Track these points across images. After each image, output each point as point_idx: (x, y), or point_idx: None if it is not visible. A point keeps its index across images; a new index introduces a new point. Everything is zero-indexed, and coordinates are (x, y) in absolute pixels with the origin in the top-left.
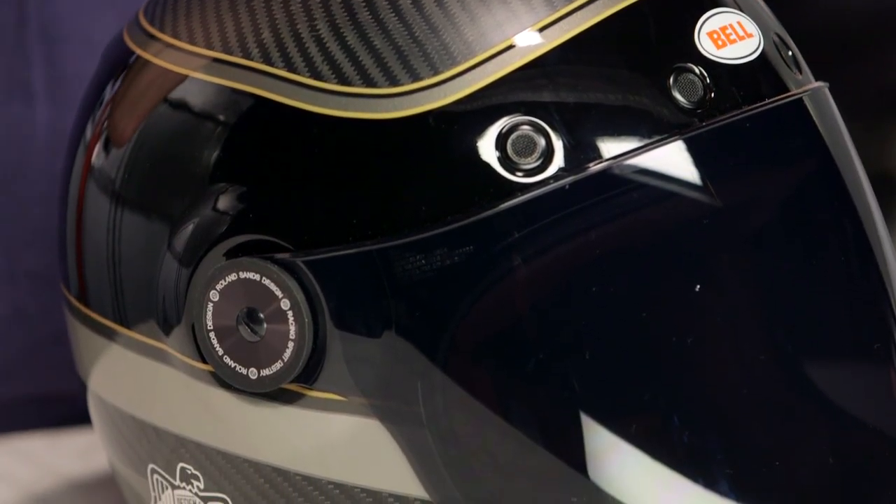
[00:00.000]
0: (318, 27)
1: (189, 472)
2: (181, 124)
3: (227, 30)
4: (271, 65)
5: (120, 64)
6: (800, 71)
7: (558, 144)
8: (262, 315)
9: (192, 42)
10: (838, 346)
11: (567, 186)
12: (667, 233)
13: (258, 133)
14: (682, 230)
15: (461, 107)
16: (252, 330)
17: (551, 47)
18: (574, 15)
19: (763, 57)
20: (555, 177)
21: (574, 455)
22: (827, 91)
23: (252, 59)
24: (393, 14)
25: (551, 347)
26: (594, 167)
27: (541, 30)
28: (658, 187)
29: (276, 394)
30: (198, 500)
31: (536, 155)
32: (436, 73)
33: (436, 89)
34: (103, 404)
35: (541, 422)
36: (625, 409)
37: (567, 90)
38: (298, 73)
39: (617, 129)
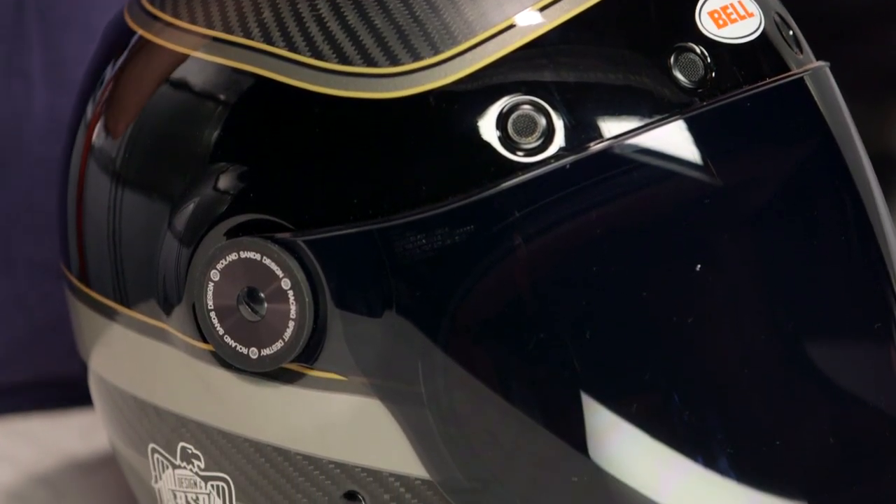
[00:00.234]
0: (318, 6)
1: (190, 451)
2: (182, 104)
3: (228, 9)
4: (272, 44)
5: (120, 44)
6: (801, 50)
7: (559, 124)
8: (262, 295)
9: (193, 21)
10: (839, 325)
11: (568, 166)
12: (668, 212)
13: (259, 112)
14: (682, 210)
15: (462, 86)
16: (253, 309)
17: (552, 27)
18: None
19: (764, 36)
20: (556, 156)
21: (574, 434)
22: (828, 70)
23: (253, 39)
24: None
25: (552, 327)
26: (595, 147)
27: (541, 9)
28: (659, 167)
29: (276, 373)
30: (198, 479)
31: (537, 134)
32: (436, 52)
33: (436, 69)
34: (104, 384)
35: (541, 401)
36: (625, 389)
37: (568, 69)
38: (299, 53)
39: (618, 109)
